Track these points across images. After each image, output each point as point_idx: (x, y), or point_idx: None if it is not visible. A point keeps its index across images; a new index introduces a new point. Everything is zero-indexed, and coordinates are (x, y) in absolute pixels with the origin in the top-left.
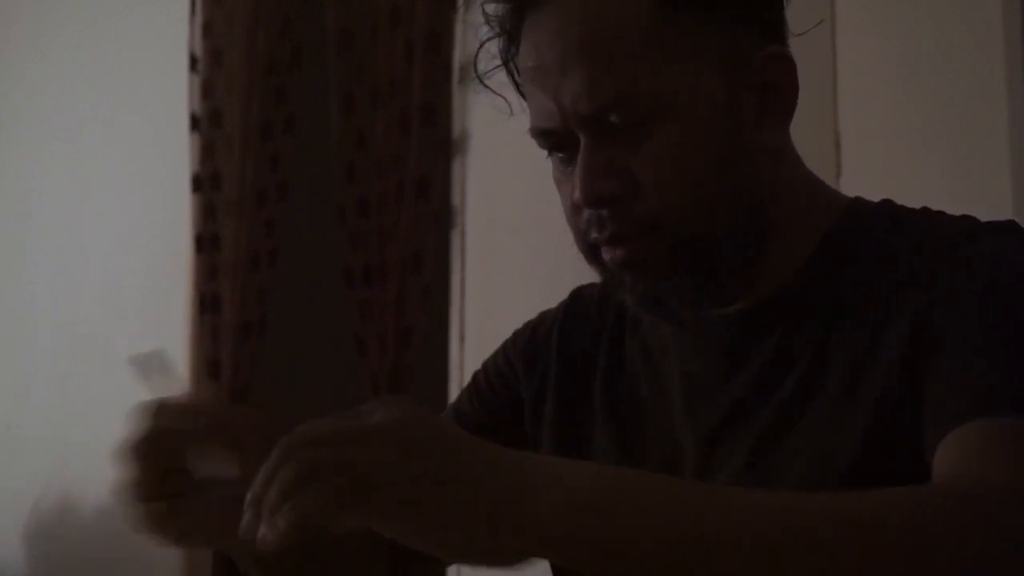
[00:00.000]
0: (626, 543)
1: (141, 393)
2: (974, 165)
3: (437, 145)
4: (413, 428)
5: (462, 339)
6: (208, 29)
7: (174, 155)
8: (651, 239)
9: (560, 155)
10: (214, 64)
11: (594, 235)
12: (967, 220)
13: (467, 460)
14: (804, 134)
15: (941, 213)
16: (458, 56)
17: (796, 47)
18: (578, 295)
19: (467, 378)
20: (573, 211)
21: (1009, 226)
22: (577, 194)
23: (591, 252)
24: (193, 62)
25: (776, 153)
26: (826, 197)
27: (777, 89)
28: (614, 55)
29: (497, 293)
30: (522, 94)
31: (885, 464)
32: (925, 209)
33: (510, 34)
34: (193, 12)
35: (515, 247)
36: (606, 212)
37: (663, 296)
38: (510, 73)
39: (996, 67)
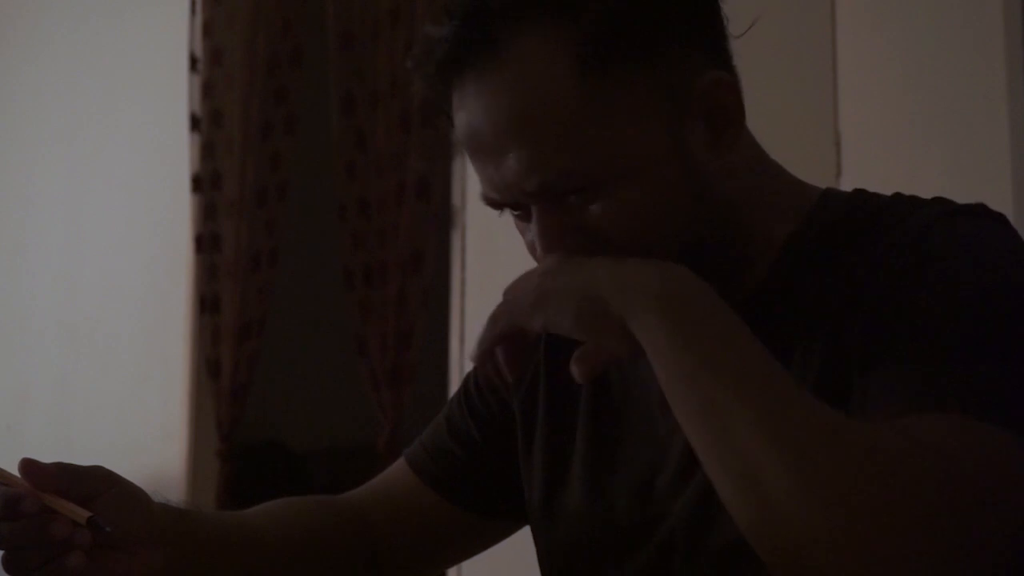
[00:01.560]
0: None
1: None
2: (974, 165)
3: (437, 145)
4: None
5: (462, 339)
6: (208, 29)
7: (174, 155)
8: None
9: (516, 213)
10: (214, 64)
11: None
12: (937, 205)
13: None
14: (804, 134)
15: (914, 198)
16: None
17: (796, 47)
18: None
19: None
20: (539, 258)
21: (979, 209)
22: (540, 255)
23: None
24: (193, 62)
25: (734, 169)
26: (794, 192)
27: (722, 111)
28: (547, 132)
29: (497, 293)
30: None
31: None
32: (897, 196)
33: (440, 93)
34: (193, 12)
35: (515, 247)
36: None
37: None
38: (451, 121)
39: (996, 67)
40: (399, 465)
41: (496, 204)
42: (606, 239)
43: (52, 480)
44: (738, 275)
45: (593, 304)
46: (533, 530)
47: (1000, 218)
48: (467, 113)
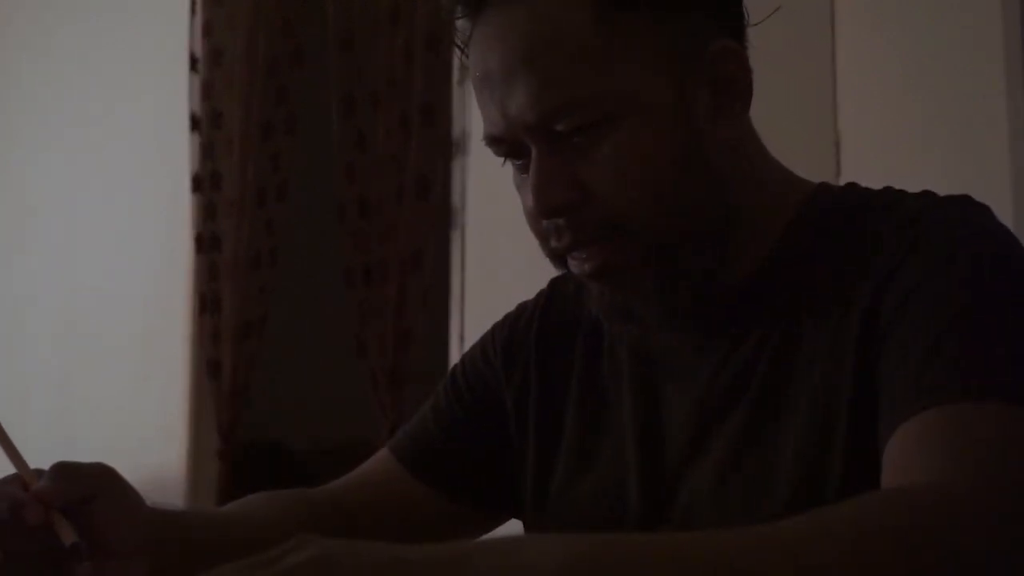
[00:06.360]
0: None
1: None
2: (974, 165)
3: (437, 145)
4: (323, 570)
5: (462, 339)
6: (208, 29)
7: (174, 155)
8: (612, 245)
9: (517, 162)
10: (214, 64)
11: (554, 243)
12: (926, 196)
13: None
14: (804, 134)
15: (902, 192)
16: (458, 56)
17: (796, 47)
18: (556, 285)
19: None
20: (532, 219)
21: (964, 199)
22: (530, 204)
23: (556, 259)
24: (193, 62)
25: (735, 145)
26: (791, 185)
27: (730, 82)
28: (556, 64)
29: (497, 293)
30: None
31: (868, 461)
32: (887, 189)
33: (466, 44)
34: (194, 12)
35: (515, 247)
36: (562, 221)
37: (631, 304)
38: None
39: (995, 68)
40: (380, 454)
41: (497, 143)
42: (599, 193)
43: (51, 498)
44: (726, 258)
45: None
46: (525, 520)
47: (983, 207)
48: (481, 47)
